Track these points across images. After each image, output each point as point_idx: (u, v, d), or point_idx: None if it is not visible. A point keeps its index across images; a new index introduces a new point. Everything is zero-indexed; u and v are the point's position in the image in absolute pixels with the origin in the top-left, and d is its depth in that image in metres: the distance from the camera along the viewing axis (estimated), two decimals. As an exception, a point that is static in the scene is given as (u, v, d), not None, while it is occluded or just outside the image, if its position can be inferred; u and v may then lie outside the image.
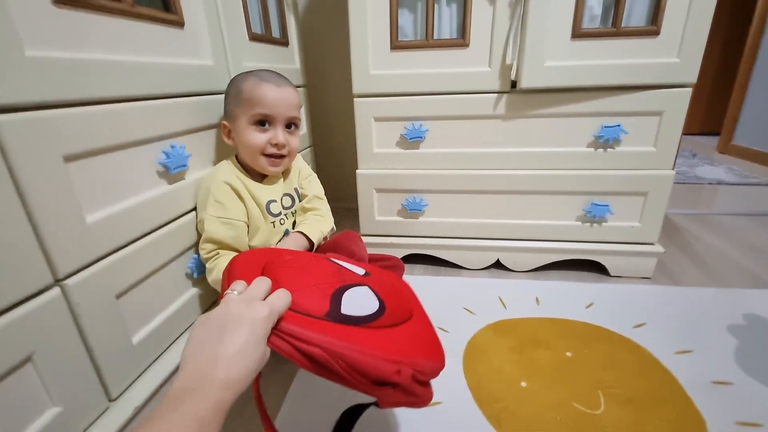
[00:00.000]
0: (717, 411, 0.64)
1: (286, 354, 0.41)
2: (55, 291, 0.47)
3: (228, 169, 0.74)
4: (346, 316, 0.47)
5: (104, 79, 0.53)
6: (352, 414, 0.56)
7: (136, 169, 0.60)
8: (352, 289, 0.52)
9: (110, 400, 0.56)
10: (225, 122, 0.74)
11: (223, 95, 0.76)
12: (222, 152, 0.80)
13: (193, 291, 0.73)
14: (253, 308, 0.40)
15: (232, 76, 0.77)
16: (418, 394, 0.44)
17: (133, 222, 0.59)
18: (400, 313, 0.53)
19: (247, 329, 0.37)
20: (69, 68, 0.48)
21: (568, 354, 0.77)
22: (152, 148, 0.62)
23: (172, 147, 0.65)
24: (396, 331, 0.49)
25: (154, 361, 0.65)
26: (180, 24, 0.68)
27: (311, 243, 0.78)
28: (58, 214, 0.47)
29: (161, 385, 0.63)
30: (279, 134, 0.73)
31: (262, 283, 0.45)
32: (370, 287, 0.55)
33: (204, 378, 0.34)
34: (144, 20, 0.60)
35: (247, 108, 0.71)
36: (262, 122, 0.72)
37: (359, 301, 0.50)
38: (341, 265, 0.59)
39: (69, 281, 0.49)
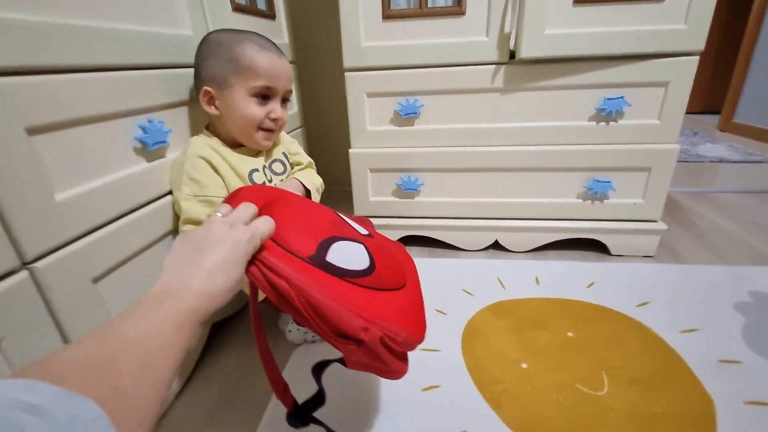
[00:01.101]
0: (725, 390, 0.62)
1: (257, 282, 0.41)
2: (23, 274, 0.44)
3: (201, 142, 0.68)
4: (329, 264, 0.46)
5: (71, 46, 0.49)
6: (319, 368, 0.59)
7: (110, 144, 0.56)
8: (345, 242, 0.50)
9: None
10: (209, 88, 0.66)
11: (196, 59, 0.69)
12: (200, 127, 0.76)
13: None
14: (236, 230, 0.40)
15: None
16: (386, 361, 0.42)
17: (108, 201, 0.55)
18: (391, 280, 0.51)
19: (227, 249, 0.38)
20: (31, 31, 0.44)
21: (570, 334, 0.75)
22: (128, 122, 0.58)
23: (150, 122, 0.61)
24: (379, 295, 0.47)
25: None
26: (155, -11, 0.63)
27: (307, 191, 0.78)
28: (22, 191, 0.43)
29: (146, 373, 0.60)
30: (278, 108, 0.70)
31: (248, 208, 0.45)
32: (365, 246, 0.52)
33: (181, 285, 0.35)
34: (112, -18, 0.55)
35: (248, 78, 0.65)
36: (265, 95, 0.68)
37: (348, 256, 0.48)
38: (344, 220, 0.57)
39: (38, 264, 0.45)
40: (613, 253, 1.03)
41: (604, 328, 0.76)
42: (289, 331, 0.77)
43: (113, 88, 0.55)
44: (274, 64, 0.67)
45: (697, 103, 3.32)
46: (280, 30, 1.10)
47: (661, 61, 0.85)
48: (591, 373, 0.66)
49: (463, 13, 0.87)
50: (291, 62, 1.15)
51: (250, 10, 0.93)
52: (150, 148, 0.61)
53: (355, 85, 0.97)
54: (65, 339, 0.49)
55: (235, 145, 0.72)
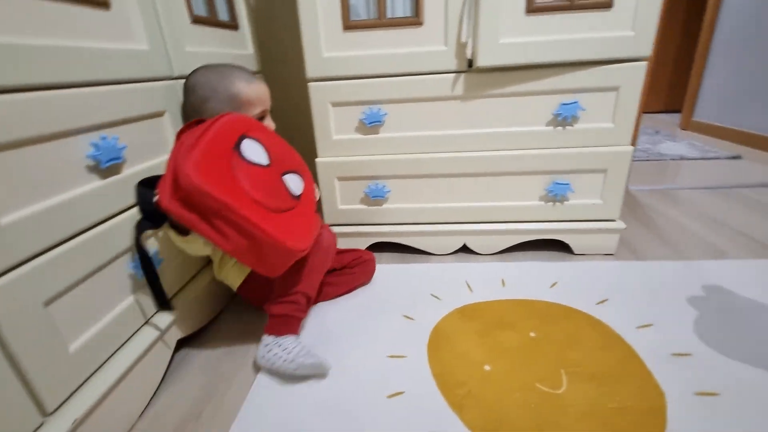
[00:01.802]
0: (676, 382, 0.65)
1: None
2: (-35, 301, 0.43)
3: None
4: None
5: (16, 65, 0.48)
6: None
7: (60, 163, 0.55)
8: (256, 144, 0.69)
9: (45, 415, 0.52)
10: None
11: (188, 94, 0.77)
12: (157, 142, 0.75)
13: (137, 294, 0.69)
14: None
15: (175, 67, 0.75)
16: (184, 217, 0.58)
17: (59, 221, 0.54)
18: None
19: None
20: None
21: (532, 334, 0.77)
22: (79, 140, 0.57)
23: (103, 139, 0.60)
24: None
25: (97, 369, 0.61)
26: (105, 4, 0.62)
27: None
28: (-39, 217, 0.42)
29: (105, 395, 0.59)
30: (271, 123, 0.82)
31: None
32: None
33: None
34: (60, 1, 0.55)
35: (247, 110, 0.76)
36: (261, 117, 0.79)
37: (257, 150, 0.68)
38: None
39: (-18, 289, 0.45)
40: (575, 252, 1.06)
41: (565, 327, 0.79)
42: (263, 356, 0.73)
43: (63, 106, 0.54)
44: (261, 91, 0.79)
45: (659, 102, 3.46)
46: (243, 40, 1.10)
47: (611, 66, 0.89)
48: (551, 372, 0.68)
49: (421, 24, 0.89)
50: (256, 72, 1.15)
51: (210, 21, 0.92)
52: (103, 165, 0.60)
53: (318, 95, 0.98)
54: (15, 364, 0.48)
55: None
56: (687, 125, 2.68)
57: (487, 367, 0.70)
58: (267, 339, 0.74)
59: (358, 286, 0.97)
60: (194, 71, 0.78)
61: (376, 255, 1.11)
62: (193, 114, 0.77)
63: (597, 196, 1.00)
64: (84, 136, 0.58)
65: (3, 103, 0.47)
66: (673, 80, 3.41)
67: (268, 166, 0.68)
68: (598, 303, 0.85)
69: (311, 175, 0.82)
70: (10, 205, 0.48)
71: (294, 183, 0.73)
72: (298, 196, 0.72)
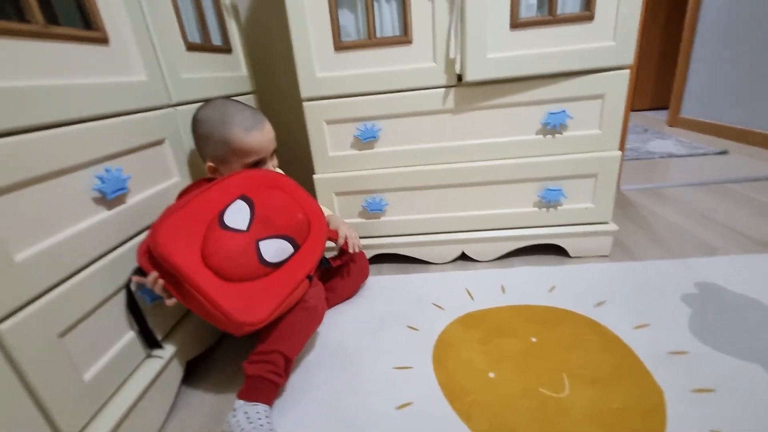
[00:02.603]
0: (674, 380, 0.67)
1: None
2: (-14, 339, 0.45)
3: None
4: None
5: (22, 107, 0.50)
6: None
7: (68, 198, 0.57)
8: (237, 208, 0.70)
9: (63, 444, 0.54)
10: (211, 164, 0.81)
11: (193, 126, 0.81)
12: (160, 169, 0.77)
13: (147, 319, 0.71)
14: None
15: (173, 95, 0.78)
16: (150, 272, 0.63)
17: (71, 254, 0.56)
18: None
19: None
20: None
21: (533, 339, 0.79)
22: (84, 174, 0.59)
23: (107, 171, 0.63)
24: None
25: (112, 395, 0.62)
26: (104, 41, 0.65)
27: None
28: (-21, 257, 0.44)
29: (121, 420, 0.60)
30: (269, 166, 0.84)
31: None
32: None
33: None
34: (61, 41, 0.57)
35: (241, 156, 0.79)
36: (257, 162, 0.81)
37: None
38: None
39: (1, 326, 0.46)
40: (571, 255, 1.09)
41: (565, 331, 0.81)
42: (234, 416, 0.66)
43: (68, 143, 0.56)
44: (261, 140, 0.80)
45: (646, 99, 3.53)
46: (237, 63, 1.12)
47: (595, 75, 0.92)
48: (553, 376, 0.70)
49: (410, 42, 0.92)
50: (250, 93, 1.18)
51: (204, 47, 0.95)
52: (109, 197, 0.62)
53: (313, 113, 1.01)
54: (35, 397, 0.49)
55: None
56: (674, 122, 2.73)
57: (491, 374, 0.72)
58: (237, 402, 0.67)
59: (359, 287, 1.01)
60: (204, 104, 0.82)
61: (377, 267, 1.13)
62: (200, 143, 0.81)
63: (589, 200, 1.03)
64: (89, 170, 0.60)
65: (11, 144, 0.49)
66: (658, 77, 3.48)
67: (245, 231, 0.68)
68: (596, 305, 0.88)
69: (323, 233, 0.78)
70: (23, 242, 0.50)
71: (273, 249, 0.69)
72: (276, 263, 0.69)
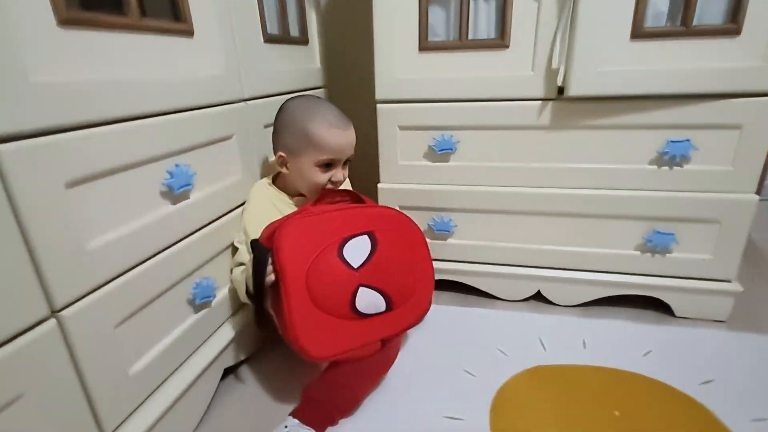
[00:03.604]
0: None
1: None
2: (51, 323, 0.52)
3: (263, 197, 0.90)
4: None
5: (110, 100, 0.58)
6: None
7: (139, 190, 0.64)
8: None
9: (103, 436, 0.61)
10: (282, 154, 0.88)
11: (277, 114, 0.90)
12: (221, 167, 0.85)
13: (195, 318, 0.78)
14: None
15: (245, 89, 0.85)
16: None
17: (134, 246, 0.63)
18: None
19: None
20: (74, 92, 0.52)
21: (617, 413, 0.76)
22: (156, 167, 0.67)
23: (177, 166, 0.70)
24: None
25: (152, 393, 0.69)
26: (189, 33, 0.72)
27: None
28: (57, 243, 0.51)
29: (158, 419, 0.67)
30: (339, 173, 0.89)
31: None
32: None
33: None
34: (152, 33, 0.65)
35: (315, 152, 0.85)
36: (328, 164, 0.87)
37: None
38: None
39: (65, 312, 0.53)
40: (677, 315, 1.02)
41: (658, 409, 0.76)
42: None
43: (145, 136, 0.64)
44: (340, 141, 0.86)
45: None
46: (312, 55, 1.20)
47: (733, 101, 0.86)
48: (636, 462, 0.66)
49: (506, 46, 0.92)
50: (321, 87, 1.25)
51: (282, 39, 1.02)
52: (175, 192, 0.70)
53: (387, 117, 1.04)
54: (84, 386, 0.56)
55: (299, 194, 0.93)
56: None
57: (558, 446, 0.70)
58: (290, 421, 0.72)
59: (405, 328, 0.86)
60: (296, 95, 0.91)
61: (435, 294, 1.14)
62: (278, 130, 0.89)
63: (707, 251, 0.96)
64: (160, 164, 0.68)
65: (97, 134, 0.56)
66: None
67: (354, 269, 0.76)
68: (702, 383, 0.81)
69: (421, 310, 0.87)
70: (96, 230, 0.57)
71: (367, 300, 0.77)
72: (362, 314, 0.76)
